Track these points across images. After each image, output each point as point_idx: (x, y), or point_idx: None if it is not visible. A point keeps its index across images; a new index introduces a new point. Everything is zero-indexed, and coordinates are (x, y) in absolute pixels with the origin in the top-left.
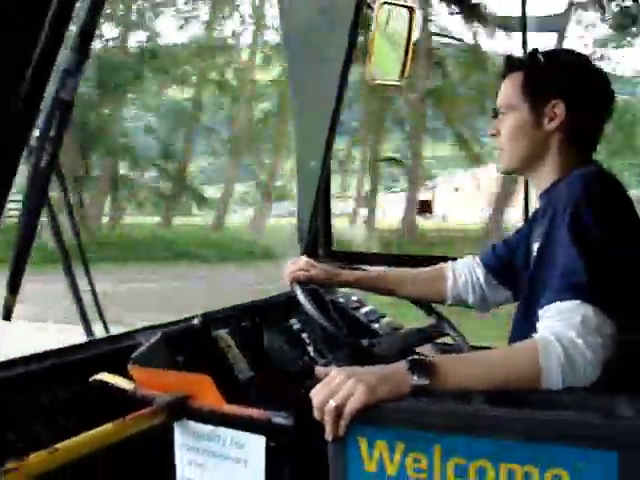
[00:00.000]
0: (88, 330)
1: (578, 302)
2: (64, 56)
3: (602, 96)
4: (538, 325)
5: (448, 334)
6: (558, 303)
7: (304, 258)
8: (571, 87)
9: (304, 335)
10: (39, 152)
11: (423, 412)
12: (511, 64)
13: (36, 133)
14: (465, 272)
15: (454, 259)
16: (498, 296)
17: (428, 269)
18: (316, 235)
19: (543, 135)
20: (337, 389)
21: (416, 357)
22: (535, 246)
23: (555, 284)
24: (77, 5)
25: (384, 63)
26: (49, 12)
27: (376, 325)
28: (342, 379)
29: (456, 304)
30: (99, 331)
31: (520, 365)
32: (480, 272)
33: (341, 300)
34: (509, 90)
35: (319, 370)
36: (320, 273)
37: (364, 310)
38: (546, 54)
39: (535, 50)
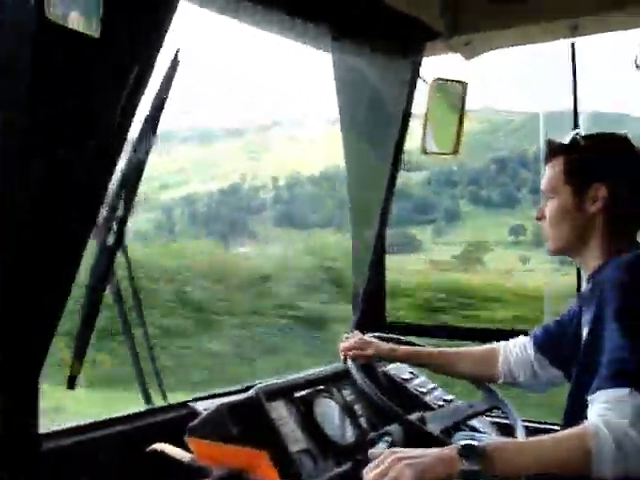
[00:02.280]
0: (147, 398)
1: (628, 390)
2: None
3: None
4: (589, 411)
5: (499, 408)
6: (608, 390)
7: (358, 334)
8: (612, 171)
9: (357, 407)
10: (106, 230)
11: None
12: (553, 149)
13: (104, 212)
14: (517, 351)
15: (506, 331)
16: (549, 375)
17: (481, 347)
18: (370, 306)
19: (586, 218)
20: (387, 471)
21: (467, 442)
22: (585, 330)
23: (605, 371)
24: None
25: (438, 136)
26: (121, 96)
27: (428, 397)
28: (393, 461)
29: (508, 383)
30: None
31: (571, 453)
32: (531, 351)
33: (393, 372)
34: (552, 175)
35: (372, 452)
36: (374, 351)
37: (416, 382)
38: (587, 138)
39: (576, 135)
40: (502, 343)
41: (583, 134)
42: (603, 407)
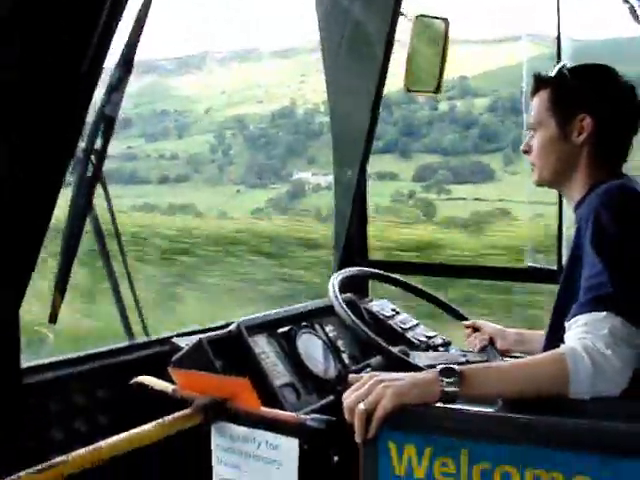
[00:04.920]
0: (129, 333)
1: (605, 313)
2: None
3: (629, 109)
4: (566, 336)
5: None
6: (586, 315)
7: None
8: (597, 101)
9: (339, 342)
10: (85, 163)
11: (451, 418)
12: (539, 82)
13: (82, 145)
14: None
15: (491, 269)
16: None
17: None
18: (352, 242)
19: (571, 149)
20: (367, 393)
21: (446, 365)
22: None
23: (582, 296)
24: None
25: (421, 74)
26: (95, 29)
27: (410, 333)
28: (372, 383)
29: None
30: None
31: (549, 376)
32: None
33: (376, 309)
34: (538, 107)
35: (352, 376)
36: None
37: (399, 318)
38: (572, 69)
39: (562, 66)
40: None
41: (569, 66)
42: (580, 330)
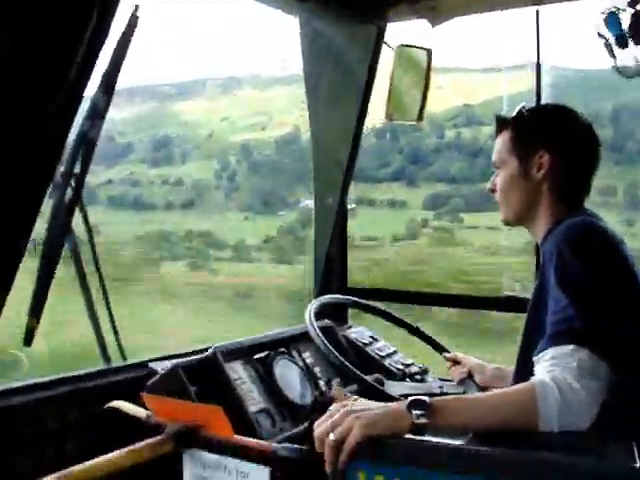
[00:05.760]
0: (105, 357)
1: (572, 347)
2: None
3: (587, 144)
4: (535, 369)
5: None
6: (553, 348)
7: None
8: (554, 137)
9: (316, 368)
10: (64, 187)
11: (420, 449)
12: (501, 123)
13: (61, 169)
14: None
15: (468, 298)
16: None
17: None
18: (331, 270)
19: (532, 185)
20: (337, 423)
21: (416, 397)
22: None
23: (549, 330)
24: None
25: (403, 104)
26: (77, 53)
27: (387, 361)
28: (343, 414)
29: None
30: None
31: (518, 407)
32: None
33: (354, 336)
34: (500, 147)
35: (334, 392)
36: (468, 367)
37: (376, 345)
38: (532, 109)
39: (522, 107)
40: None
41: (528, 107)
42: (549, 364)
